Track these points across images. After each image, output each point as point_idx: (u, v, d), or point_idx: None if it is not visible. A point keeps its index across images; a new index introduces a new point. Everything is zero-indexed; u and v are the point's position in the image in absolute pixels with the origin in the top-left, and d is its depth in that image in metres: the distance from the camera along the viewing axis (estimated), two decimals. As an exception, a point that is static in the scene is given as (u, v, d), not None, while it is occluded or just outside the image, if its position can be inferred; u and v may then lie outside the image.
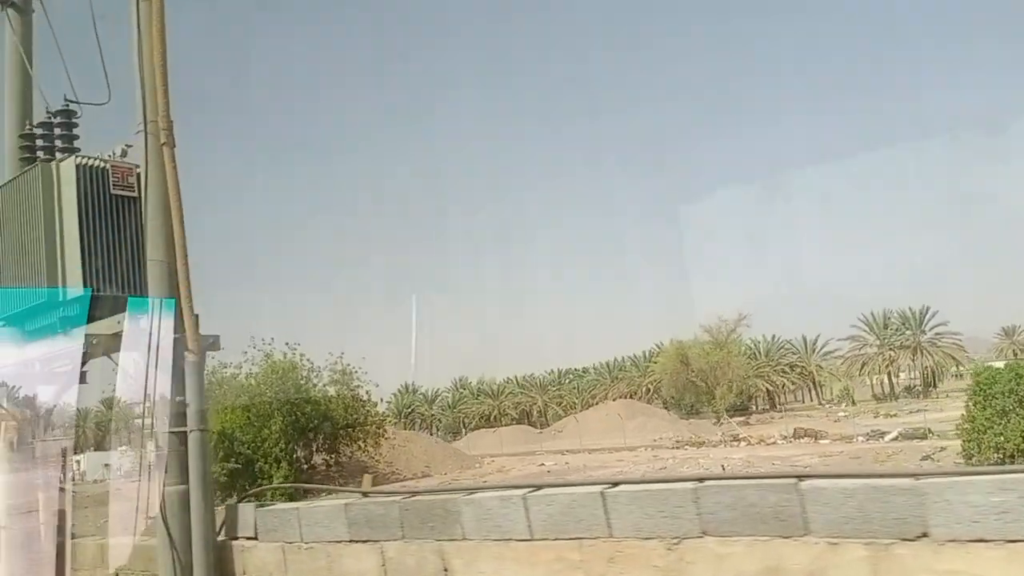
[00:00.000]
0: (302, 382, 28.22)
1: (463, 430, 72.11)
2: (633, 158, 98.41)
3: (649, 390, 69.90)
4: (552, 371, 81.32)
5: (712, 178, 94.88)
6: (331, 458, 29.41)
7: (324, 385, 29.27)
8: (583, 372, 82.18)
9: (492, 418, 74.39)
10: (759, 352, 67.62)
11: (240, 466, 26.13)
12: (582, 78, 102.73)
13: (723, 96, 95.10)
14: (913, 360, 61.73)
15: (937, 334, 62.06)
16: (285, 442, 26.91)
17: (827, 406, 62.34)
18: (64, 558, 6.24)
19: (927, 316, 62.71)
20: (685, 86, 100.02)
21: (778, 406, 68.59)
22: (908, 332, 63.07)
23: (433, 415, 78.86)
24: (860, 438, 29.64)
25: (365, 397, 30.07)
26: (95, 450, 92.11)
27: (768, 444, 31.41)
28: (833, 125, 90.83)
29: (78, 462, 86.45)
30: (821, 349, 69.94)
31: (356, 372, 29.39)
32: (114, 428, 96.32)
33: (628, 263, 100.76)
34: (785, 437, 32.77)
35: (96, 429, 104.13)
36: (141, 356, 4.99)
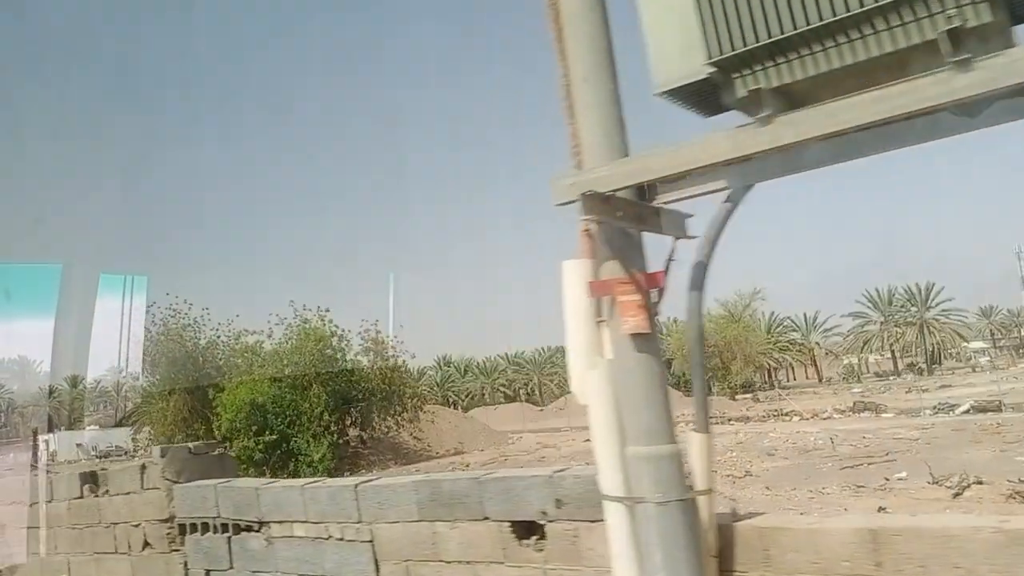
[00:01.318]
0: (334, 352, 25.46)
1: (458, 409, 69.65)
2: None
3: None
4: (544, 348, 79.23)
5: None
6: (364, 433, 26.75)
7: (355, 355, 26.53)
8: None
9: (483, 396, 72.08)
10: (759, 328, 66.36)
11: (276, 439, 23.42)
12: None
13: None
14: (918, 337, 61.01)
15: (944, 311, 61.48)
16: (327, 416, 24.20)
17: (833, 384, 61.32)
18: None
19: (933, 293, 62.05)
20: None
21: (776, 384, 67.59)
22: (914, 309, 62.35)
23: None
24: (927, 411, 28.10)
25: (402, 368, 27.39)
26: (65, 430, 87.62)
27: (824, 418, 29.74)
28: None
29: (46, 442, 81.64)
30: (820, 326, 69.10)
31: (390, 340, 26.65)
32: (85, 407, 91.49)
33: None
34: (841, 411, 31.15)
35: (63, 408, 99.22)
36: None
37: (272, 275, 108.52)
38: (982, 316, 73.78)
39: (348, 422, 26.05)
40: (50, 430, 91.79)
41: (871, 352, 64.28)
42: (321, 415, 24.16)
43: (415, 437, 27.23)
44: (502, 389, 72.53)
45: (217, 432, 23.55)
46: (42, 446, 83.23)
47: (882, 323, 63.77)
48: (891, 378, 60.18)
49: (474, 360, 77.88)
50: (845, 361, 64.11)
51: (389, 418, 26.62)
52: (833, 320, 68.33)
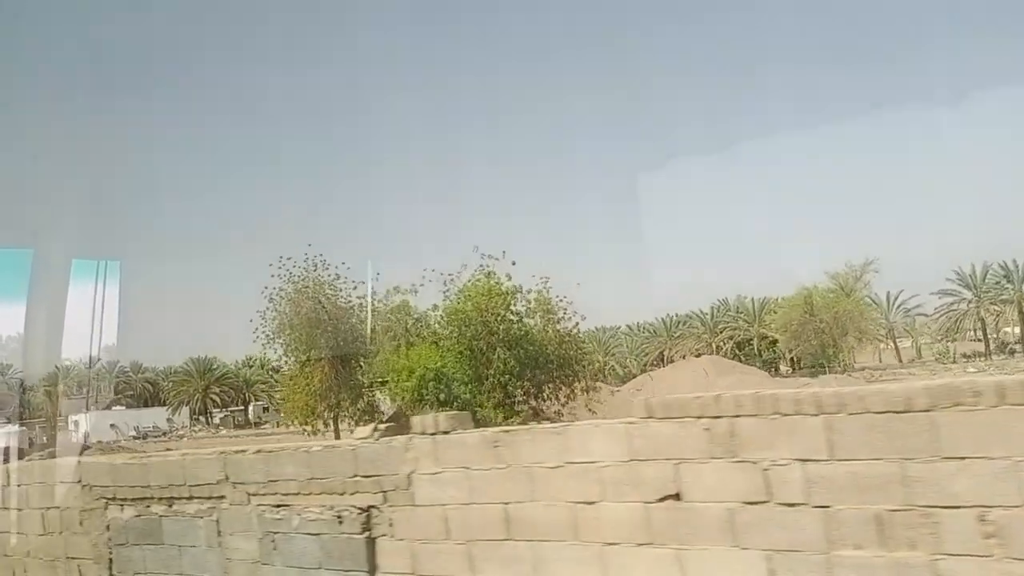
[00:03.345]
0: (514, 313, 21.90)
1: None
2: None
3: (720, 347, 64.89)
4: (597, 328, 75.41)
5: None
6: (536, 405, 23.29)
7: (521, 317, 23.00)
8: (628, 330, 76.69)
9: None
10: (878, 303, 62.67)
11: (465, 413, 19.91)
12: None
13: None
14: (1020, 315, 57.65)
15: (1044, 287, 57.96)
16: (509, 386, 20.78)
17: (927, 365, 57.93)
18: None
19: (1031, 268, 58.52)
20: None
21: (851, 366, 64.29)
22: (1010, 286, 58.95)
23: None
24: None
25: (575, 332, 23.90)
26: (100, 409, 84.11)
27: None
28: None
29: (76, 423, 78.22)
30: (900, 305, 65.57)
31: (562, 302, 23.08)
32: (109, 387, 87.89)
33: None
34: None
35: (80, 389, 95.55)
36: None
37: (254, 260, 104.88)
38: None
39: (523, 392, 22.58)
40: (77, 411, 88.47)
41: (962, 332, 60.96)
42: (505, 385, 20.75)
43: (591, 410, 23.76)
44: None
45: (396, 401, 20.15)
46: (71, 427, 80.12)
47: (972, 302, 60.36)
48: (984, 359, 56.99)
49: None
50: (916, 341, 60.35)
51: (564, 388, 23.16)
52: (916, 300, 64.73)
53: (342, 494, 6.47)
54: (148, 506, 7.63)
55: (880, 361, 63.21)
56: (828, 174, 79.67)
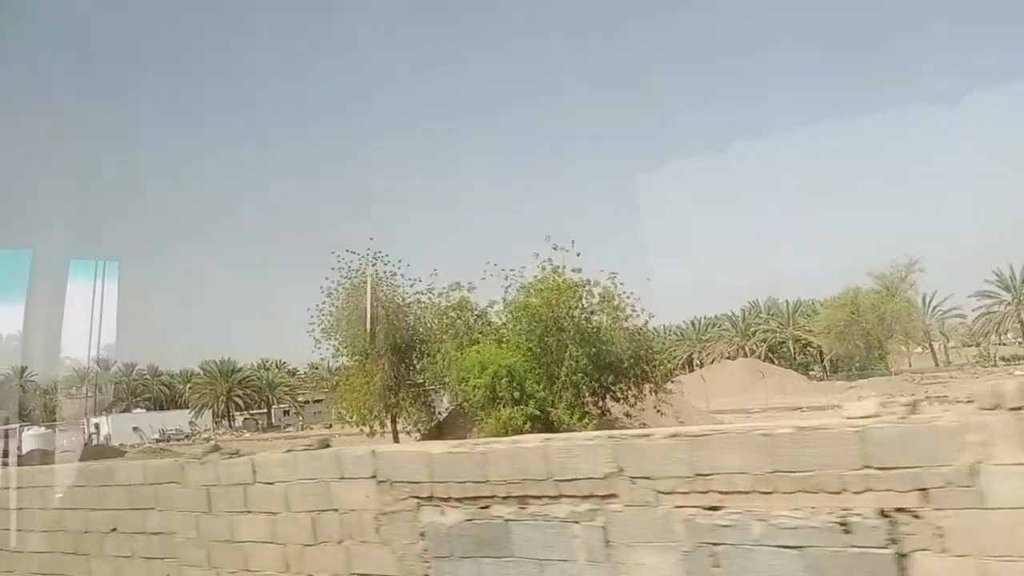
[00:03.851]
0: (584, 309, 21.00)
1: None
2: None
3: (752, 350, 63.80)
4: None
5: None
6: (603, 405, 22.37)
7: (592, 313, 22.08)
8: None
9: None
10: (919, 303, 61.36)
11: (538, 413, 19.09)
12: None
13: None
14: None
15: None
16: (585, 385, 19.90)
17: (966, 368, 56.66)
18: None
19: (1073, 271, 57.31)
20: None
21: (887, 368, 63.06)
22: (1049, 289, 57.74)
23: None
24: None
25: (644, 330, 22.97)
26: (120, 412, 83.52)
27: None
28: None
29: (97, 426, 77.60)
30: (936, 308, 64.36)
31: (630, 298, 22.11)
32: (126, 390, 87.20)
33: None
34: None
35: (99, 391, 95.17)
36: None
37: (248, 263, 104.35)
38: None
39: (590, 392, 21.67)
40: (97, 413, 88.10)
41: (1004, 334, 59.65)
42: (578, 384, 19.85)
43: (659, 411, 22.81)
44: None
45: (468, 399, 19.29)
46: (91, 429, 79.43)
47: (1011, 303, 59.13)
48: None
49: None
50: (946, 345, 58.99)
51: (633, 388, 22.21)
52: (951, 302, 63.50)
53: (837, 492, 4.67)
54: (486, 507, 5.89)
55: (909, 365, 62.13)
56: (858, 173, 78.62)
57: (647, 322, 22.48)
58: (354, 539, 6.56)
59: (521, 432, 18.09)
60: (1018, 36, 69.57)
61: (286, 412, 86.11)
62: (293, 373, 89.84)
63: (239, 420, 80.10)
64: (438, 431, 23.57)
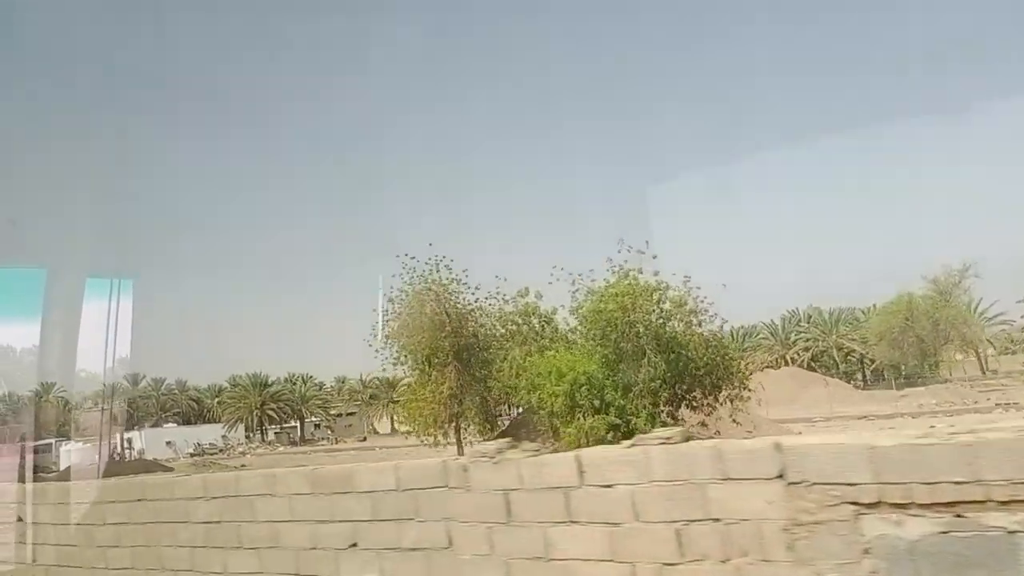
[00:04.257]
0: (656, 314, 20.18)
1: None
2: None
3: (794, 359, 62.45)
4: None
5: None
6: (677, 414, 21.48)
7: (669, 318, 21.22)
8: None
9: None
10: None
11: (618, 422, 18.28)
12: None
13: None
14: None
15: None
16: (665, 392, 19.09)
17: (1014, 375, 54.97)
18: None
19: None
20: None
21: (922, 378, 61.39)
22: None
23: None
24: None
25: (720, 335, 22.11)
26: (151, 427, 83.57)
27: None
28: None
29: (129, 440, 77.58)
30: (981, 314, 62.65)
31: (704, 303, 21.24)
32: (155, 404, 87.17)
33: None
34: None
35: (129, 407, 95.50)
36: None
37: (266, 278, 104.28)
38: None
39: (664, 401, 20.80)
40: (129, 428, 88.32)
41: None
42: (656, 392, 19.03)
43: (735, 421, 21.91)
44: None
45: (542, 407, 18.52)
46: (124, 444, 79.27)
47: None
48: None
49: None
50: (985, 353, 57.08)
51: (708, 397, 21.32)
52: (996, 308, 61.76)
53: None
54: (970, 515, 4.53)
55: (964, 372, 60.43)
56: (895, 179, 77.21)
57: (721, 327, 21.61)
58: (749, 557, 5.27)
59: (603, 443, 17.33)
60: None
61: (316, 426, 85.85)
62: (320, 387, 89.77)
63: (270, 434, 79.88)
64: (501, 438, 22.88)
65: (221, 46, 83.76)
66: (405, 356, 22.25)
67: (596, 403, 17.92)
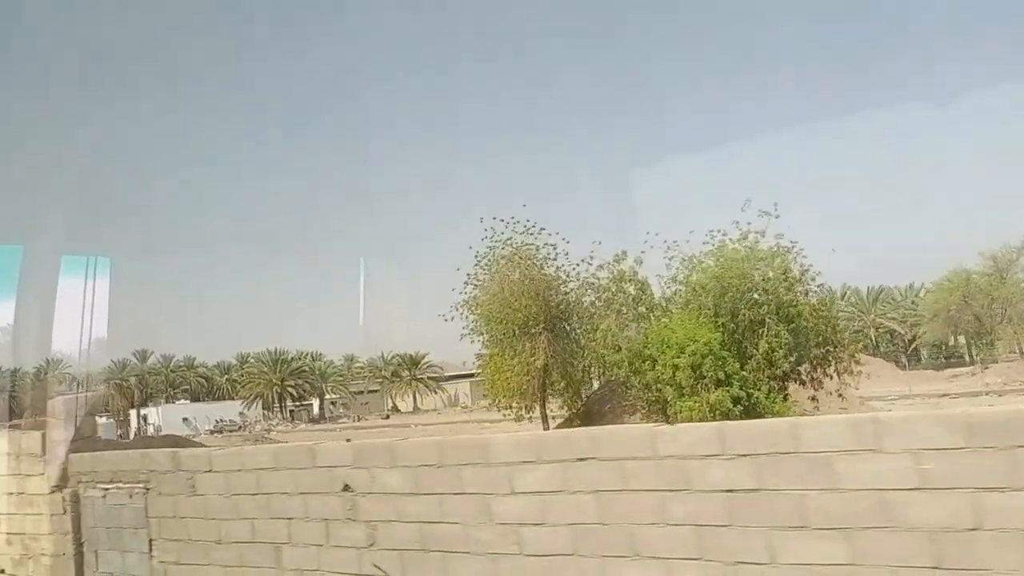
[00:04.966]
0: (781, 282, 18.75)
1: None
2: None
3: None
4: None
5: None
6: (784, 387, 20.10)
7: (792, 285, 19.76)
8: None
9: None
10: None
11: (743, 395, 16.92)
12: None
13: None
14: None
15: None
16: (787, 363, 17.71)
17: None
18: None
19: None
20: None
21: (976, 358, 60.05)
22: None
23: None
24: None
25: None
26: (166, 402, 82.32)
27: None
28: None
29: (144, 417, 76.27)
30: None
31: (808, 271, 19.78)
32: (164, 381, 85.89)
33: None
34: None
35: (139, 383, 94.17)
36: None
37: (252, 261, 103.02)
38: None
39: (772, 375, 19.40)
40: (144, 404, 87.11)
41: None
42: (777, 363, 17.66)
43: (841, 396, 20.56)
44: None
45: (661, 380, 17.12)
46: (139, 420, 77.93)
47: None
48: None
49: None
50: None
51: (818, 370, 19.93)
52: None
53: None
54: None
55: (1020, 351, 59.20)
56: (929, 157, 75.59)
57: (832, 298, 20.19)
58: None
59: (729, 417, 15.94)
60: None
61: (333, 403, 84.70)
62: (330, 365, 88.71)
63: (287, 411, 78.82)
64: (586, 414, 21.60)
65: (195, 19, 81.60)
66: (489, 325, 20.81)
67: (720, 375, 16.54)
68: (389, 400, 76.32)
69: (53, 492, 9.77)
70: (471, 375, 79.28)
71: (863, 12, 78.13)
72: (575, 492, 6.07)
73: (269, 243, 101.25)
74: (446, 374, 74.56)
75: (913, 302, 59.05)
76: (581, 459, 6.09)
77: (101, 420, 48.87)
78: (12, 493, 10.01)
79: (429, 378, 74.12)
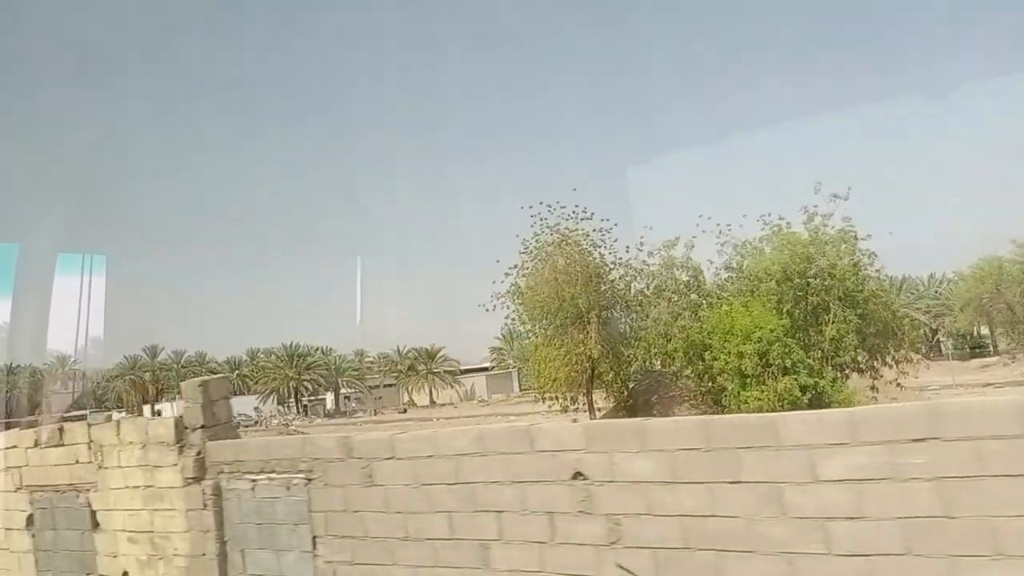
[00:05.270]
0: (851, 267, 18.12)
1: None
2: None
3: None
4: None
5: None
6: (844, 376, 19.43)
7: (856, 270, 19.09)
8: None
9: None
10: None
11: (811, 383, 16.27)
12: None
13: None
14: None
15: None
16: (843, 352, 17.08)
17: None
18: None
19: None
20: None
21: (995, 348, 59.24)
22: None
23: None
24: None
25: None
26: (179, 398, 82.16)
27: None
28: None
29: (159, 412, 76.47)
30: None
31: (866, 255, 19.09)
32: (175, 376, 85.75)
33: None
34: None
35: (152, 379, 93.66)
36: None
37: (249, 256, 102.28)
38: None
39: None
40: (156, 399, 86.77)
41: None
42: (844, 349, 17.03)
43: (899, 386, 19.89)
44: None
45: (723, 369, 16.49)
46: (153, 415, 77.86)
47: None
48: None
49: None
50: None
51: (876, 358, 19.30)
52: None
53: None
54: None
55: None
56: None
57: (892, 283, 19.51)
58: None
59: (797, 407, 15.30)
60: None
61: (347, 398, 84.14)
62: (342, 359, 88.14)
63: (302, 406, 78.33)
64: (631, 405, 20.99)
65: (192, 18, 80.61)
66: (537, 312, 20.18)
67: (787, 363, 15.91)
68: (405, 394, 75.71)
69: (189, 485, 8.81)
70: (486, 369, 78.79)
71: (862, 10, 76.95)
72: (907, 480, 5.12)
73: (268, 240, 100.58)
74: (461, 368, 74.01)
75: (937, 292, 58.13)
76: (917, 439, 5.16)
77: (116, 416, 48.58)
78: (139, 487, 9.06)
79: (446, 372, 73.54)
